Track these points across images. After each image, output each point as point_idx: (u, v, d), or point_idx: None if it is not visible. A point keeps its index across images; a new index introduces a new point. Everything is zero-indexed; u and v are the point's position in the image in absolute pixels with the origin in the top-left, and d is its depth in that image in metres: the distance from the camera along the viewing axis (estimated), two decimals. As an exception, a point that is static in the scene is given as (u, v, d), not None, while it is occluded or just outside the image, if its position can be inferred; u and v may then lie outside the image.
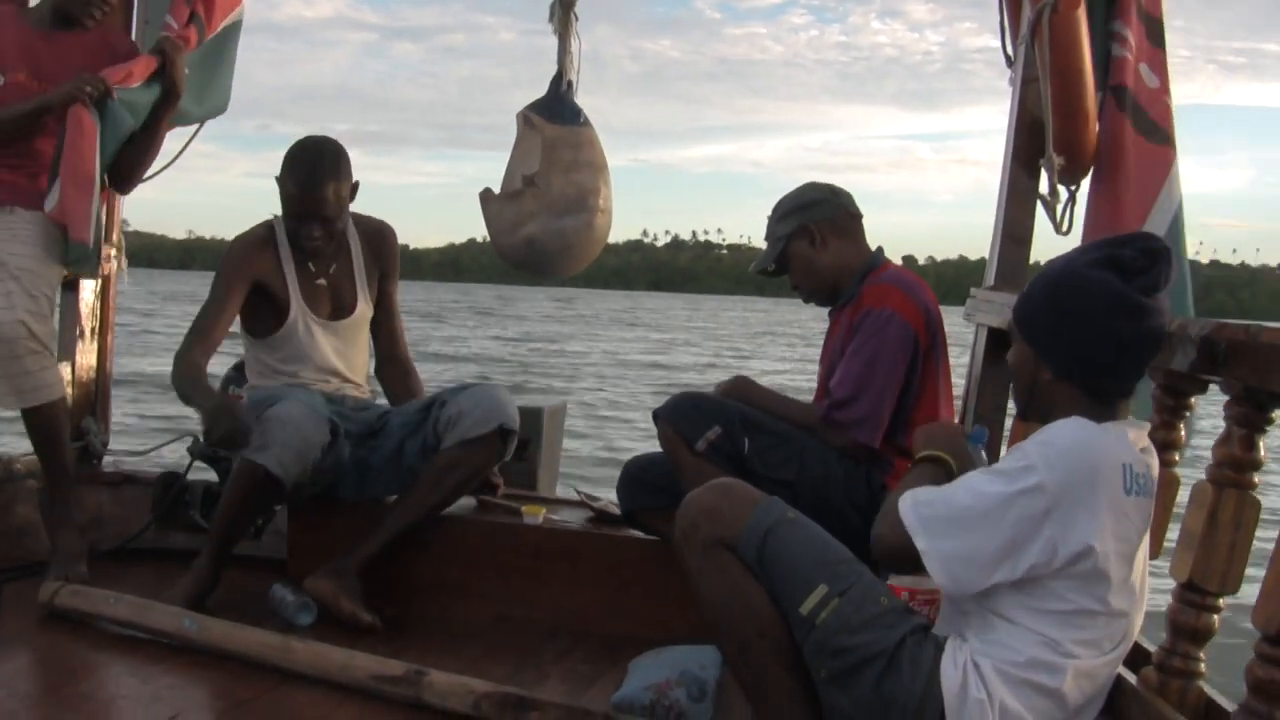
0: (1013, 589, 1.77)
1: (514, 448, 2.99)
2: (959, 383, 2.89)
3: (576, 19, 3.34)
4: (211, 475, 3.33)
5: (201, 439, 2.89)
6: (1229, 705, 1.76)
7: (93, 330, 3.47)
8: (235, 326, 3.03)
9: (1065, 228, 2.69)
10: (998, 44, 2.87)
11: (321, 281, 3.06)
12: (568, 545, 2.99)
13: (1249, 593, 1.69)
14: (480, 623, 2.93)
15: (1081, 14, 2.53)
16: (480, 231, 3.46)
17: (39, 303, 2.82)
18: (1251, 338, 1.67)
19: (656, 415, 2.82)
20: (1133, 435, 1.82)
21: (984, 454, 2.12)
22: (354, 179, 2.99)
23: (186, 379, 2.82)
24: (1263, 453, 1.79)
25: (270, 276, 3.00)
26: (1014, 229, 2.79)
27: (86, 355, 3.45)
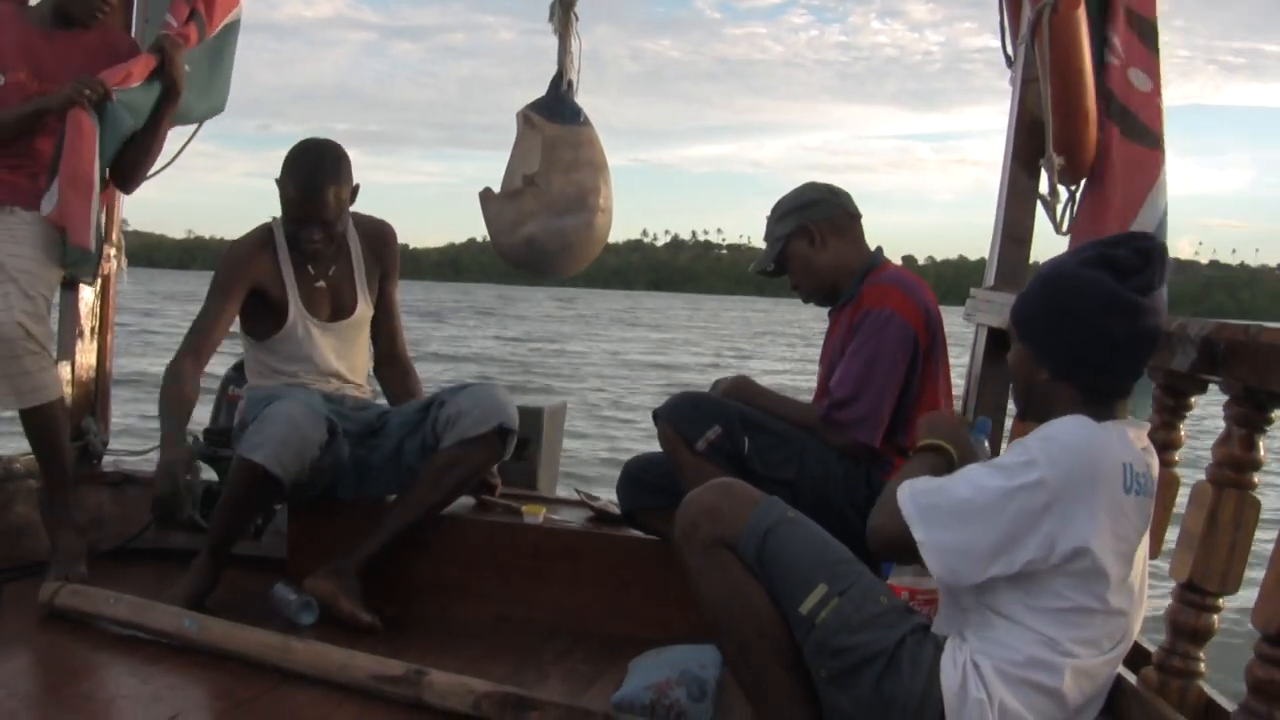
0: (1011, 586, 1.77)
1: (513, 447, 2.99)
2: (959, 383, 2.89)
3: (576, 19, 3.34)
4: (212, 475, 3.34)
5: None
6: (1229, 705, 1.76)
7: (92, 330, 3.47)
8: (235, 326, 3.03)
9: (1065, 228, 2.69)
10: (998, 44, 2.87)
11: (321, 283, 3.06)
12: (568, 545, 2.99)
13: (1246, 596, 1.69)
14: (480, 622, 2.93)
15: (1081, 14, 2.53)
16: (480, 231, 3.46)
17: (36, 303, 2.82)
18: (1251, 338, 1.67)
19: (656, 415, 2.82)
20: (1133, 434, 1.82)
21: (987, 445, 2.12)
22: (354, 182, 2.99)
23: (166, 404, 2.80)
24: (1262, 453, 1.79)
25: (268, 280, 3.00)
26: (1014, 229, 2.79)
27: (86, 355, 3.45)
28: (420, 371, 3.34)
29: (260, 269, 2.99)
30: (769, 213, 2.94)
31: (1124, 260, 1.79)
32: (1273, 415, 1.77)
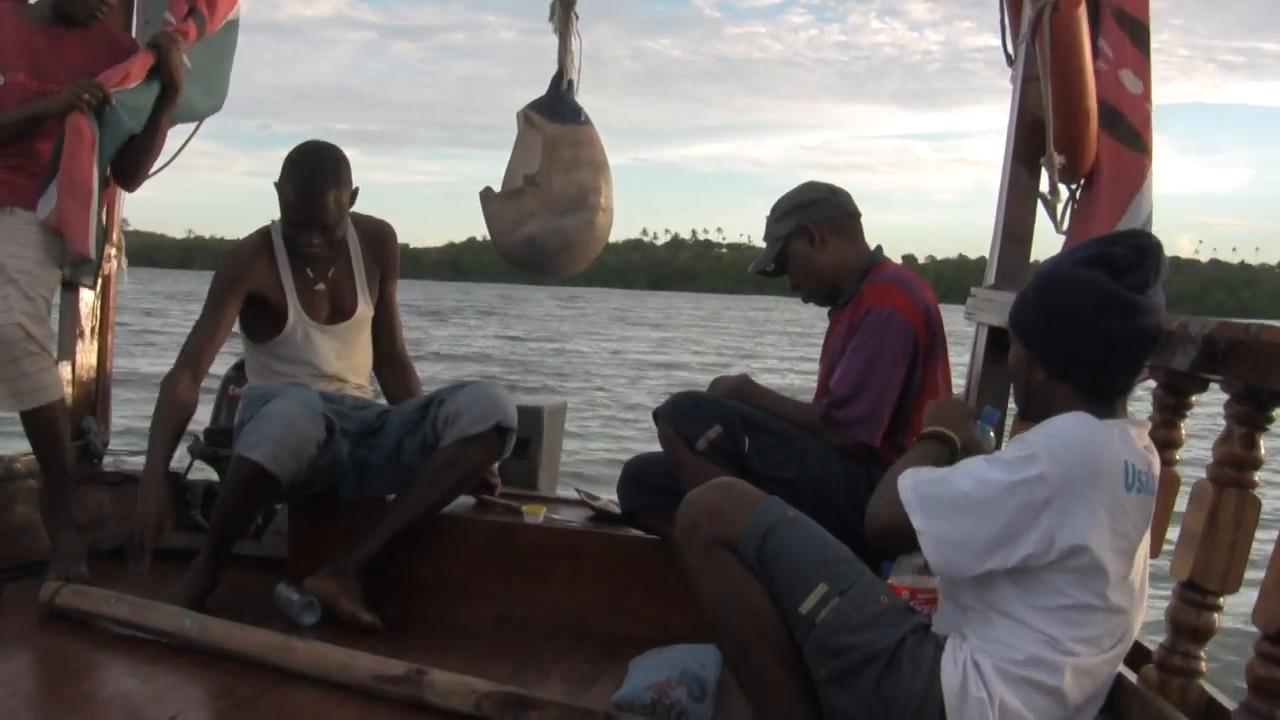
0: (1011, 584, 1.77)
1: (512, 445, 2.99)
2: (959, 382, 2.89)
3: (577, 18, 3.34)
4: (213, 474, 3.34)
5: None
6: (1229, 704, 1.76)
7: (93, 330, 3.47)
8: (235, 327, 3.02)
9: (1065, 227, 2.69)
10: (998, 43, 2.86)
11: (321, 286, 3.05)
12: (568, 545, 2.99)
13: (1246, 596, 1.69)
14: (481, 622, 2.93)
15: (1082, 13, 2.53)
16: (480, 230, 3.45)
17: (36, 304, 2.82)
18: (1252, 337, 1.68)
19: (656, 415, 2.81)
20: (1134, 433, 1.82)
21: (992, 435, 2.12)
22: (354, 185, 2.99)
23: (159, 424, 2.80)
24: (1263, 452, 1.79)
25: (267, 285, 2.99)
26: (1014, 228, 2.78)
27: (86, 355, 3.45)
28: (421, 371, 3.34)
29: (258, 274, 2.98)
30: (768, 212, 2.94)
31: (1120, 258, 1.79)
32: (1273, 414, 1.77)
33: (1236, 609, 1.98)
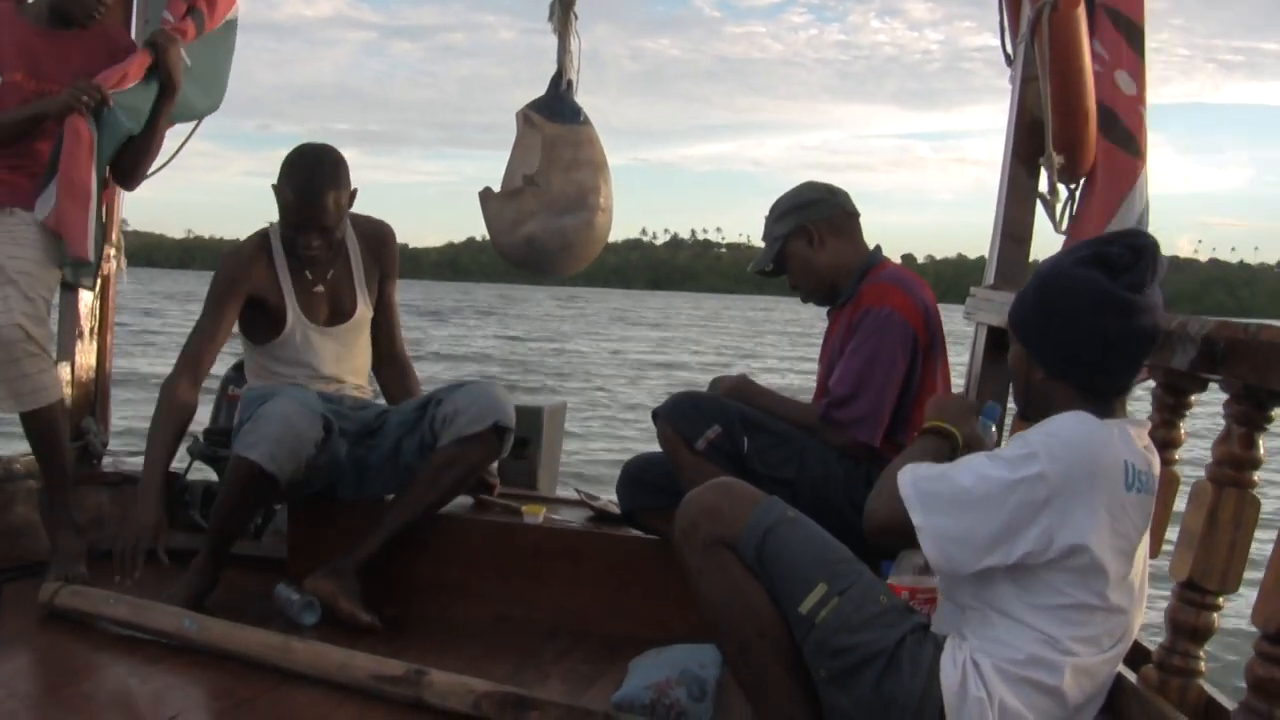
0: (1010, 583, 1.77)
1: (510, 444, 2.99)
2: (959, 382, 2.89)
3: (576, 18, 3.34)
4: (212, 475, 3.33)
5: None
6: (1229, 704, 1.76)
7: (92, 330, 3.47)
8: (234, 328, 3.02)
9: (1064, 226, 2.69)
10: (997, 43, 2.86)
11: (320, 288, 3.05)
12: (568, 545, 2.99)
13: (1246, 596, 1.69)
14: (480, 622, 2.93)
15: (1081, 13, 2.53)
16: (480, 230, 3.45)
17: (36, 305, 2.82)
18: (1251, 336, 1.67)
19: (656, 415, 2.81)
20: (1135, 432, 1.82)
21: (993, 430, 2.12)
22: (353, 187, 2.98)
23: (157, 425, 2.80)
24: (1262, 451, 1.79)
25: (265, 288, 2.98)
26: (1013, 228, 2.78)
27: (86, 355, 3.45)
28: (421, 371, 3.33)
29: (257, 277, 2.97)
30: (767, 213, 2.94)
31: (1117, 257, 1.79)
32: (1273, 414, 1.77)
33: (1236, 609, 1.98)
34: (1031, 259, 2.80)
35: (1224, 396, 1.82)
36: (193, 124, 3.38)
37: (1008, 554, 1.74)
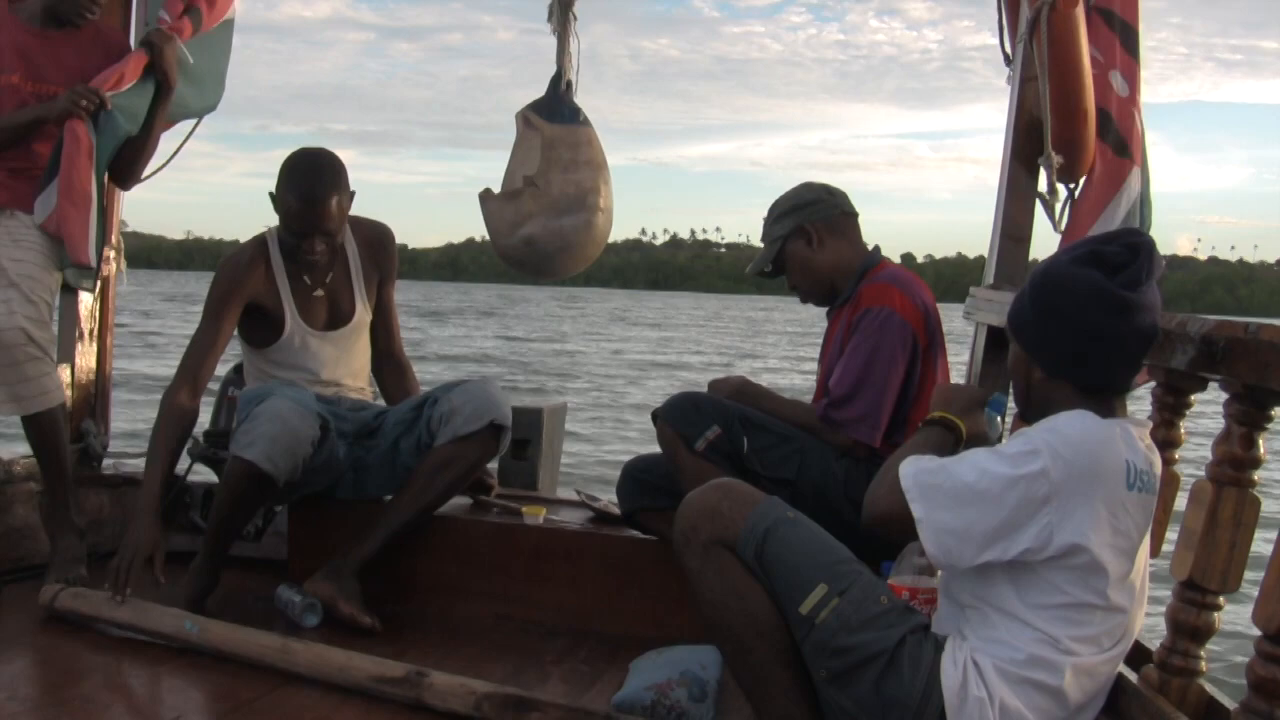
0: (1009, 581, 1.77)
1: (507, 443, 2.98)
2: (959, 382, 2.88)
3: (575, 18, 3.35)
4: (212, 477, 3.33)
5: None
6: (1230, 704, 1.76)
7: (92, 332, 3.47)
8: (234, 330, 3.02)
9: (1063, 226, 2.69)
10: (996, 42, 2.86)
11: (318, 293, 3.04)
12: (568, 545, 2.99)
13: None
14: (481, 623, 2.93)
15: (1080, 13, 2.53)
16: (479, 231, 3.46)
17: (38, 308, 2.82)
18: (1251, 336, 1.67)
19: (656, 415, 2.81)
20: (1137, 432, 1.82)
21: (999, 422, 2.12)
22: (351, 190, 2.98)
23: (158, 434, 2.78)
24: (1262, 451, 1.79)
25: (264, 294, 2.97)
26: (1013, 227, 2.78)
27: (86, 357, 3.45)
28: (421, 372, 3.33)
29: (255, 283, 2.96)
30: (766, 214, 2.94)
31: (1113, 256, 1.80)
32: (1273, 413, 1.77)
33: (1237, 609, 1.98)
34: (1031, 259, 2.80)
35: (1224, 396, 1.82)
36: (191, 124, 3.38)
37: (1006, 550, 1.74)
